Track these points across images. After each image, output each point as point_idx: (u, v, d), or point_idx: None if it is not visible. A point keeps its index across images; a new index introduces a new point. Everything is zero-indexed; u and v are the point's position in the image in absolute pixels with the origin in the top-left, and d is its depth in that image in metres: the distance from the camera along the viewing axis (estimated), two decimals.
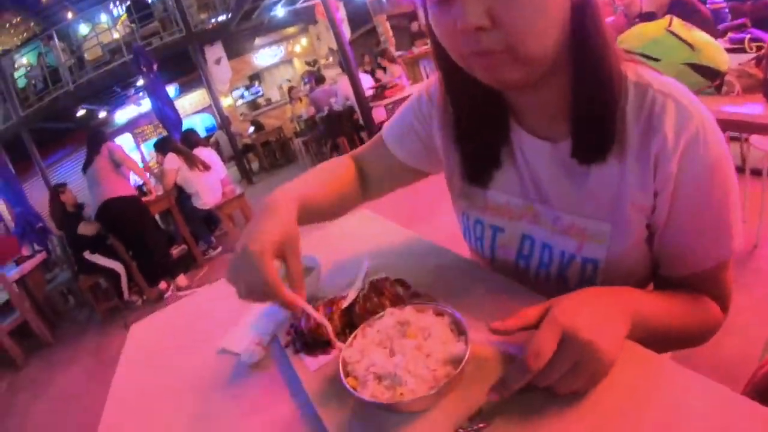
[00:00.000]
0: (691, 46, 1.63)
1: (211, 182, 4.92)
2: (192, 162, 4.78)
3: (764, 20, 2.58)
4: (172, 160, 4.73)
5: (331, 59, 12.18)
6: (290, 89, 10.19)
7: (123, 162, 4.38)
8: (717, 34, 2.13)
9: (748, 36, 1.88)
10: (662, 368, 0.53)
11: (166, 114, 7.08)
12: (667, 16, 1.75)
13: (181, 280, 4.59)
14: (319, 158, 8.21)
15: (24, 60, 10.62)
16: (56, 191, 4.69)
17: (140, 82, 9.58)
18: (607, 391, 0.51)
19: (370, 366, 0.58)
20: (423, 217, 3.78)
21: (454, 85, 0.73)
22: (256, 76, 13.83)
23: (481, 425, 0.51)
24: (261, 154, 10.72)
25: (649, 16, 2.96)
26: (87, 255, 4.42)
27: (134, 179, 4.95)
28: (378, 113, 6.37)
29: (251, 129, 11.06)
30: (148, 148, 12.97)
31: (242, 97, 13.76)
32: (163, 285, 4.56)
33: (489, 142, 0.75)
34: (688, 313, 0.66)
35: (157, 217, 5.30)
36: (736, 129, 1.82)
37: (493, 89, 0.64)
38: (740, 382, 0.73)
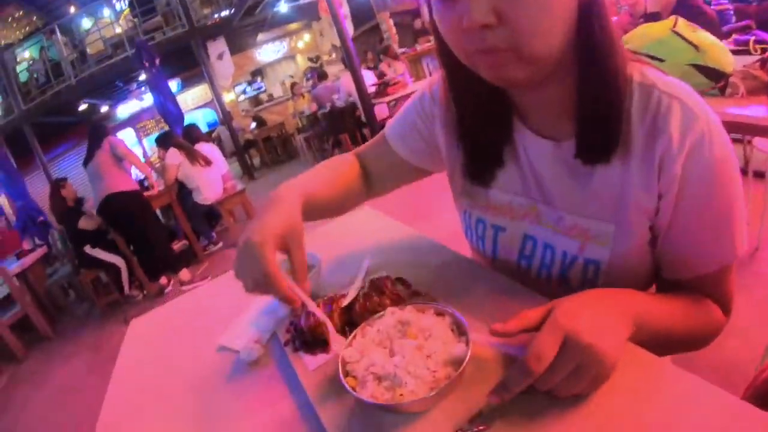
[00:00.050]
0: (696, 47, 1.63)
1: (212, 177, 4.92)
2: (193, 157, 4.77)
3: None
4: (174, 155, 4.72)
5: (333, 56, 12.19)
6: (293, 85, 10.19)
7: (125, 156, 4.37)
8: (722, 36, 2.12)
9: (753, 38, 1.87)
10: (663, 371, 0.52)
11: (168, 109, 7.07)
12: (672, 17, 1.74)
13: (184, 274, 4.58)
14: (321, 154, 8.21)
15: (26, 54, 10.62)
16: (57, 186, 4.70)
17: (142, 77, 9.55)
18: (607, 394, 0.50)
19: (370, 366, 0.57)
20: (425, 214, 3.78)
21: (457, 82, 0.72)
22: (258, 72, 13.83)
23: (481, 427, 0.50)
24: (263, 149, 10.72)
25: (653, 17, 2.95)
26: (88, 249, 4.42)
27: (135, 173, 4.95)
28: (380, 110, 6.37)
29: (253, 125, 11.07)
30: (150, 143, 12.96)
31: (244, 92, 13.76)
32: (163, 280, 4.57)
33: (492, 140, 0.75)
34: (691, 316, 0.66)
35: (157, 211, 5.30)
36: (739, 131, 1.81)
37: (497, 87, 0.64)
38: (740, 385, 0.73)
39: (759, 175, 2.44)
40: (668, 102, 0.59)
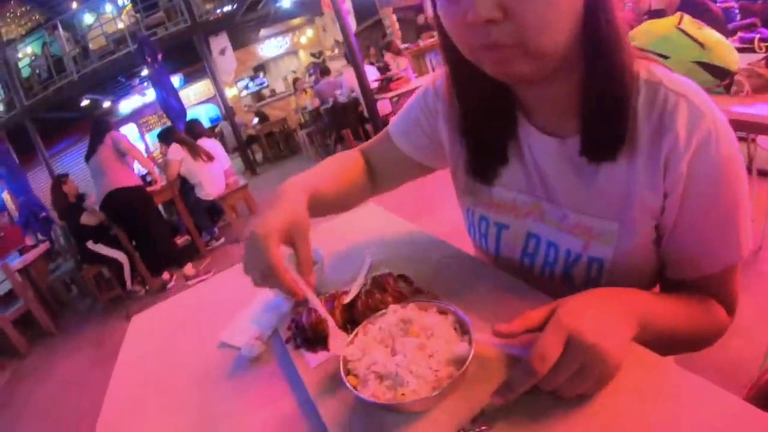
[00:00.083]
0: (701, 44, 1.61)
1: (214, 173, 4.92)
2: (195, 152, 4.77)
3: None
4: (176, 151, 4.72)
5: (336, 51, 12.16)
6: (295, 80, 10.17)
7: (128, 152, 4.34)
8: (727, 33, 2.11)
9: (758, 36, 1.86)
10: (666, 372, 0.52)
11: (171, 104, 7.07)
12: (678, 13, 1.73)
13: (189, 269, 4.56)
14: (323, 150, 8.21)
15: (28, 49, 10.63)
16: (58, 181, 4.70)
17: (145, 72, 9.57)
18: (610, 394, 0.50)
19: (372, 365, 0.57)
20: (428, 210, 3.77)
21: (461, 78, 0.71)
22: (261, 67, 13.80)
23: (483, 427, 0.50)
24: (265, 145, 10.71)
25: (657, 14, 2.94)
26: (90, 245, 4.43)
27: (138, 168, 4.95)
28: (383, 106, 6.36)
29: (255, 120, 11.05)
30: (152, 139, 12.99)
31: (247, 87, 13.74)
32: (166, 275, 4.57)
33: (496, 136, 0.74)
34: (695, 316, 0.65)
35: (160, 207, 5.30)
36: (744, 129, 1.80)
37: (501, 83, 0.63)
38: (745, 384, 0.73)
39: (763, 173, 2.43)
40: (675, 99, 0.58)
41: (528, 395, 0.50)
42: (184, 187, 5.00)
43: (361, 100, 6.45)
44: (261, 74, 13.82)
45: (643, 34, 1.76)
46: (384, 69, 6.93)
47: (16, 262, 4.67)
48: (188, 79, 13.42)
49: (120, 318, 4.30)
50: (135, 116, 13.89)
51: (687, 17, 1.70)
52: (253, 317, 0.91)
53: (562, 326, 0.49)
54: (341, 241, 1.11)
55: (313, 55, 13.44)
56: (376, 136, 0.98)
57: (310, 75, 10.71)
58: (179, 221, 5.41)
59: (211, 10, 9.97)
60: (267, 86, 13.82)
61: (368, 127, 6.68)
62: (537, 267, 0.77)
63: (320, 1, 8.00)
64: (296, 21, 13.10)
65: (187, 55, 9.92)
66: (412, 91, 0.92)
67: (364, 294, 0.75)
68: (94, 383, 3.25)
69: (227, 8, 9.84)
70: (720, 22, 2.65)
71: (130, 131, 13.08)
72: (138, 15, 9.96)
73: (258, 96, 13.72)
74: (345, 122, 6.90)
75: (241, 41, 11.89)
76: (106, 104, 13.23)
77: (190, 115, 7.19)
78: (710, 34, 1.65)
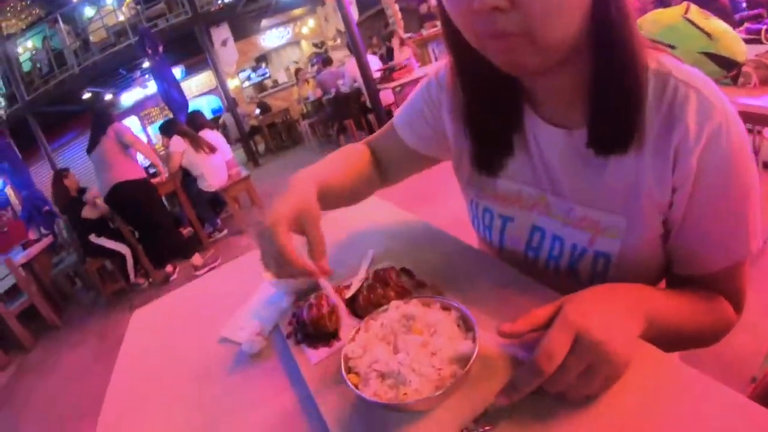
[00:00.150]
0: (708, 34, 1.59)
1: (216, 164, 4.90)
2: (197, 144, 4.75)
3: None
4: (178, 143, 4.71)
5: (338, 41, 12.11)
6: (297, 71, 10.14)
7: (132, 144, 4.28)
8: (734, 24, 2.08)
9: (765, 27, 1.83)
10: (670, 369, 0.51)
11: (172, 96, 7.04)
12: (684, 3, 1.70)
13: (197, 259, 4.50)
14: (326, 140, 8.19)
15: (29, 43, 10.60)
16: (60, 175, 4.68)
17: (146, 65, 9.52)
18: (614, 393, 0.49)
19: (373, 363, 0.56)
20: (431, 201, 3.74)
21: (465, 67, 0.69)
22: (262, 58, 13.75)
23: (486, 428, 0.49)
24: (267, 136, 10.70)
25: (662, 3, 2.90)
26: (93, 238, 4.43)
27: (141, 160, 4.93)
28: (385, 95, 6.33)
29: (258, 111, 11.02)
30: (154, 131, 12.97)
31: (249, 78, 13.70)
32: (169, 268, 4.57)
33: (501, 127, 0.72)
34: (702, 313, 0.64)
35: (162, 199, 5.30)
36: (751, 121, 1.77)
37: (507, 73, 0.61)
38: (748, 380, 0.72)
39: None
40: (685, 91, 0.57)
41: (532, 394, 0.49)
42: (186, 179, 4.99)
43: (364, 90, 6.42)
44: (263, 65, 13.77)
45: (650, 24, 1.74)
46: (389, 53, 6.88)
47: (20, 256, 4.69)
48: (190, 71, 13.37)
49: (123, 310, 4.32)
50: (137, 108, 13.86)
51: (694, 7, 1.67)
52: (254, 312, 0.90)
53: (569, 324, 0.48)
54: (343, 234, 1.10)
55: (315, 45, 13.38)
56: (381, 129, 0.97)
57: (312, 65, 10.67)
58: (182, 213, 5.41)
59: (212, 0, 9.91)
60: (269, 77, 13.77)
61: (371, 117, 6.65)
62: (541, 260, 0.76)
63: None
64: (298, 11, 13.02)
65: (188, 46, 9.87)
66: (415, 81, 0.91)
67: (366, 289, 0.74)
68: (98, 376, 3.27)
69: None
70: (727, 13, 2.61)
71: (132, 123, 13.05)
72: (138, 7, 9.91)
73: (260, 87, 13.68)
74: (347, 112, 6.87)
75: (242, 32, 11.82)
76: (108, 97, 13.20)
77: (192, 106, 7.13)
78: (717, 25, 1.62)
